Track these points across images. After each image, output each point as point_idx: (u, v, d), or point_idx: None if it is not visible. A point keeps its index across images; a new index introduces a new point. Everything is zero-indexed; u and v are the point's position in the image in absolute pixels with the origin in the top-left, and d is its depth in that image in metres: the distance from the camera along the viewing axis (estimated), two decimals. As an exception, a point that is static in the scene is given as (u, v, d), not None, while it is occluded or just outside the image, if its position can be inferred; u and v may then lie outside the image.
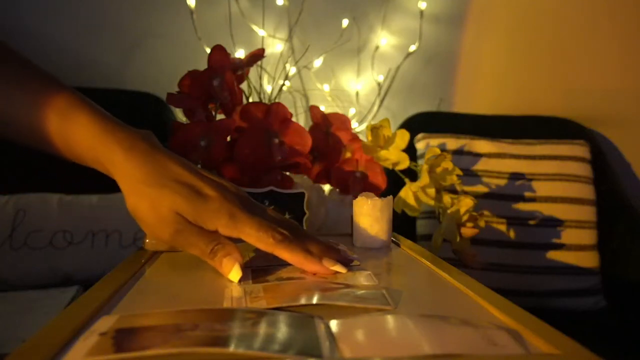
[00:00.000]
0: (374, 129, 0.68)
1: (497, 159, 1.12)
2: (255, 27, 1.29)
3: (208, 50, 0.79)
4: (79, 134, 0.41)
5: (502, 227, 1.06)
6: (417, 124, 1.24)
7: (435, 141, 1.14)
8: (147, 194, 0.39)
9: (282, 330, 0.27)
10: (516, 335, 0.28)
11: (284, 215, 0.58)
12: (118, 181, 0.41)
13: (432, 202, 0.66)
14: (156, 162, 0.40)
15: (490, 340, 0.27)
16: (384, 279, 0.40)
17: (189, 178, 0.40)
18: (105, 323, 0.28)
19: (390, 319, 0.29)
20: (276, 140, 0.66)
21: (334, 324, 0.28)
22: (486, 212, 1.06)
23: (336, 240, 0.57)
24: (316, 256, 0.39)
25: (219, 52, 0.66)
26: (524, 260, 1.05)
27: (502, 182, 1.10)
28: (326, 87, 1.34)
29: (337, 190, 0.72)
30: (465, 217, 0.66)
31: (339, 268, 0.39)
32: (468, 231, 0.66)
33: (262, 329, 0.27)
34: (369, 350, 0.25)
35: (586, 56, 1.37)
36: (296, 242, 0.39)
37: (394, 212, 0.56)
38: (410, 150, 0.96)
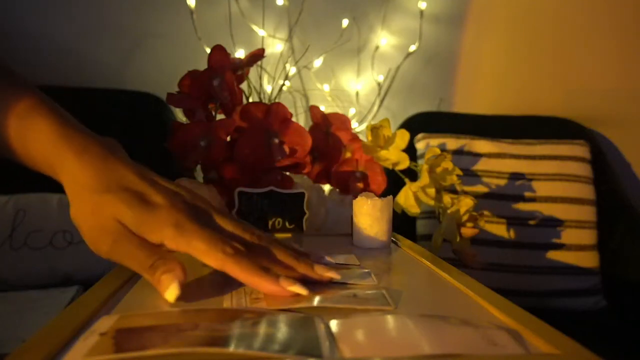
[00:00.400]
0: (374, 129, 0.68)
1: (497, 159, 1.12)
2: (255, 27, 1.29)
3: (208, 50, 0.79)
4: (36, 139, 0.38)
5: (502, 227, 1.06)
6: (417, 124, 1.24)
7: (435, 141, 1.14)
8: (89, 199, 0.35)
9: (282, 330, 0.27)
10: (516, 335, 0.28)
11: (283, 215, 0.58)
12: (64, 186, 0.38)
13: (432, 202, 0.66)
14: (106, 167, 0.37)
15: (490, 340, 0.27)
16: (384, 279, 0.40)
17: (138, 185, 0.36)
18: (105, 323, 0.28)
19: (390, 319, 0.29)
20: (276, 140, 0.66)
21: (334, 324, 0.28)
22: (486, 212, 1.06)
23: (336, 241, 0.57)
24: (273, 274, 0.34)
25: (219, 52, 0.66)
26: (524, 260, 1.05)
27: (502, 182, 1.10)
28: (326, 87, 1.34)
29: (337, 190, 0.72)
30: (465, 217, 0.66)
31: (297, 289, 0.34)
32: (468, 231, 0.66)
33: (262, 329, 0.27)
34: (369, 350, 0.25)
35: (586, 56, 1.37)
36: (250, 258, 0.35)
37: (394, 212, 0.56)
38: (410, 150, 0.96)
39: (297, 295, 0.34)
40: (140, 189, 0.36)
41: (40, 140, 0.38)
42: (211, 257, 0.34)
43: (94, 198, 0.35)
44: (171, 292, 0.33)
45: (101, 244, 0.35)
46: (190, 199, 0.38)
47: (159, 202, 0.36)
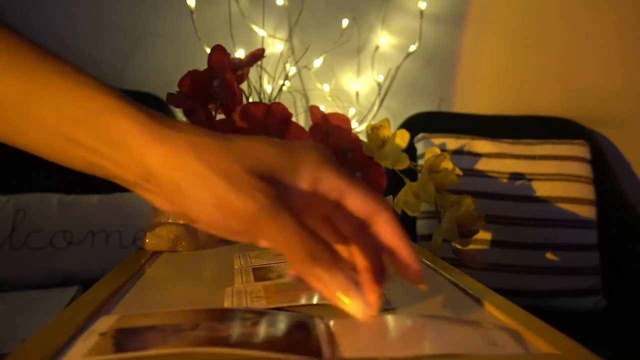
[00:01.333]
0: (374, 129, 0.68)
1: (497, 159, 1.12)
2: (255, 27, 1.29)
3: (208, 50, 0.79)
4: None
5: (502, 227, 1.06)
6: (417, 124, 1.24)
7: (435, 141, 1.14)
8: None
9: (282, 330, 0.27)
10: (516, 335, 0.28)
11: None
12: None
13: (432, 202, 0.66)
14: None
15: (490, 340, 0.27)
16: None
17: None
18: (105, 323, 0.28)
19: (390, 319, 0.29)
20: (276, 140, 0.66)
21: (334, 324, 0.28)
22: (486, 212, 1.06)
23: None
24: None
25: (219, 52, 0.66)
26: (524, 260, 1.05)
27: (502, 182, 1.10)
28: (326, 87, 1.34)
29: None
30: (465, 217, 0.66)
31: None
32: (468, 231, 0.66)
33: (262, 328, 0.27)
34: (369, 350, 0.25)
35: (586, 56, 1.37)
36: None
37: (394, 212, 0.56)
38: (410, 150, 0.96)
39: (298, 294, 0.34)
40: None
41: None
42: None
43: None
44: (357, 309, 0.27)
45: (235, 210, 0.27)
46: None
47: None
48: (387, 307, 0.32)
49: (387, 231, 0.29)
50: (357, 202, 0.29)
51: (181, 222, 0.53)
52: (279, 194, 0.27)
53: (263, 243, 0.29)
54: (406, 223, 1.08)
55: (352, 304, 0.27)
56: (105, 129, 0.27)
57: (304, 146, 0.29)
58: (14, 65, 0.29)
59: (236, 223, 0.27)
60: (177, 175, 0.27)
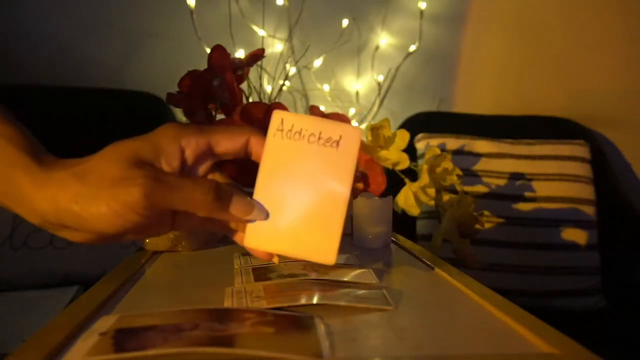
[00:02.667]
0: (374, 129, 0.68)
1: (497, 159, 1.12)
2: (255, 27, 1.29)
3: (208, 50, 0.79)
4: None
5: (502, 227, 1.06)
6: (417, 124, 1.24)
7: (435, 141, 1.14)
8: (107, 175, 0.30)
9: (282, 330, 0.27)
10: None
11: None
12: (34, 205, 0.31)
13: (432, 202, 0.66)
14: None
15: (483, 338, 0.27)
16: (384, 279, 0.40)
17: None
18: (105, 323, 0.28)
19: (389, 319, 0.29)
20: (276, 140, 0.66)
21: (334, 324, 0.28)
22: (486, 212, 1.06)
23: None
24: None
25: (219, 52, 0.66)
26: (524, 260, 1.05)
27: (502, 182, 1.10)
28: (326, 87, 1.34)
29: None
30: (465, 217, 0.66)
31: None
32: (468, 231, 0.66)
33: (262, 328, 0.27)
34: (368, 350, 0.25)
35: (586, 56, 1.37)
36: None
37: (394, 212, 0.56)
38: (410, 150, 0.95)
39: (298, 294, 0.34)
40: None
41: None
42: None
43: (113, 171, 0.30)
44: (256, 213, 0.32)
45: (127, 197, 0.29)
46: None
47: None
48: (387, 307, 0.32)
49: (259, 150, 0.34)
50: (226, 144, 0.33)
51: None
52: (156, 170, 0.31)
53: (178, 223, 0.33)
54: (406, 223, 1.09)
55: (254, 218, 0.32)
56: (10, 179, 0.31)
57: (159, 130, 0.33)
58: None
59: (139, 214, 0.30)
60: (71, 207, 0.30)
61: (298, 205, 0.32)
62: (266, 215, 0.32)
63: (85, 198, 0.30)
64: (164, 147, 0.32)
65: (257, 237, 0.33)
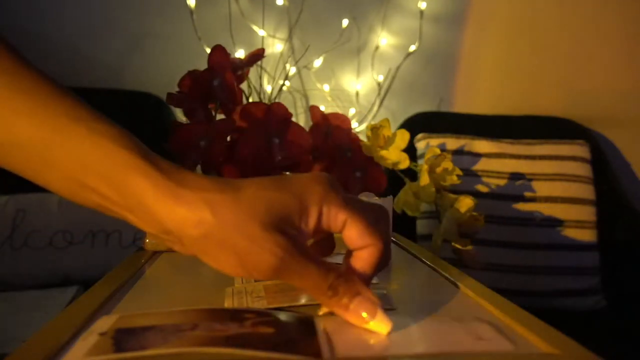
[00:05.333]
0: (374, 129, 0.68)
1: (497, 159, 1.12)
2: (255, 27, 1.29)
3: (208, 50, 0.79)
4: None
5: (502, 227, 1.06)
6: (417, 124, 1.24)
7: (435, 141, 1.14)
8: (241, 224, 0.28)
9: (282, 330, 0.27)
10: (499, 327, 0.28)
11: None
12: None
13: (432, 202, 0.66)
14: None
15: (476, 335, 0.27)
16: (384, 279, 0.40)
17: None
18: (105, 323, 0.28)
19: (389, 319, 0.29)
20: (276, 140, 0.66)
21: (331, 322, 0.28)
22: (486, 212, 1.06)
23: (336, 240, 0.57)
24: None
25: (219, 52, 0.66)
26: (524, 260, 1.05)
27: (502, 182, 1.10)
28: (326, 87, 1.34)
29: (337, 190, 0.72)
30: (465, 217, 0.66)
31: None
32: (468, 231, 0.66)
33: (262, 329, 0.27)
34: (365, 348, 0.25)
35: (586, 56, 1.37)
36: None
37: (394, 212, 0.56)
38: (410, 150, 0.95)
39: (298, 294, 0.34)
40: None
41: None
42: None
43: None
44: (384, 325, 0.28)
45: (261, 262, 0.28)
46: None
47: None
48: (387, 307, 0.32)
49: (365, 263, 0.30)
50: (354, 234, 0.30)
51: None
52: (294, 240, 0.29)
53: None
54: (406, 223, 1.09)
55: (377, 323, 0.28)
56: (123, 185, 0.28)
57: (307, 182, 0.30)
58: (31, 107, 0.29)
59: (260, 275, 0.29)
60: (195, 233, 0.28)
61: None
62: (389, 328, 0.28)
63: (214, 234, 0.28)
64: (308, 207, 0.29)
65: None
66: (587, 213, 1.09)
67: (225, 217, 0.28)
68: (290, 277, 0.29)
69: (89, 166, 0.29)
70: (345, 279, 0.29)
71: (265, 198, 0.29)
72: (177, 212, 0.28)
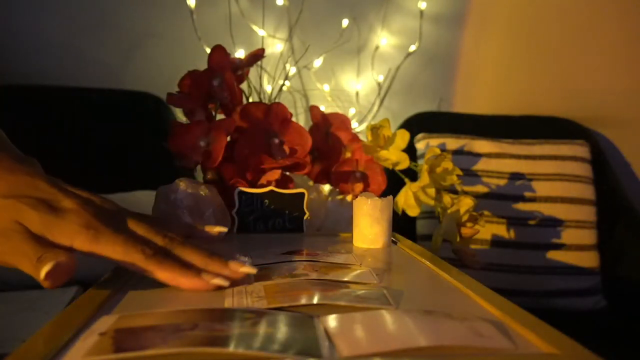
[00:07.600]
0: (374, 129, 0.68)
1: (497, 159, 1.12)
2: (255, 27, 1.29)
3: (208, 50, 0.79)
4: None
5: (502, 227, 1.06)
6: (417, 124, 1.24)
7: (435, 141, 1.14)
8: None
9: (282, 330, 0.27)
10: (501, 327, 0.28)
11: (283, 215, 0.58)
12: None
13: (432, 202, 0.66)
14: (14, 176, 0.36)
15: (477, 332, 0.27)
16: (384, 279, 0.40)
17: (46, 191, 0.36)
18: (105, 323, 0.28)
19: (385, 315, 0.29)
20: (276, 140, 0.66)
21: (330, 321, 0.28)
22: (486, 212, 1.06)
23: (336, 241, 0.57)
24: (194, 270, 0.36)
25: (219, 52, 0.66)
26: (524, 260, 1.05)
27: (502, 182, 1.10)
28: (326, 87, 1.34)
29: (337, 190, 0.72)
30: (465, 217, 0.66)
31: (219, 281, 0.35)
32: (468, 231, 0.66)
33: (262, 329, 0.27)
34: (365, 347, 0.25)
35: (586, 56, 1.37)
36: (170, 257, 0.36)
37: (394, 212, 0.56)
38: (410, 150, 0.96)
39: (298, 294, 0.34)
40: (49, 195, 0.36)
41: None
42: (129, 256, 0.35)
43: None
44: (45, 268, 0.32)
45: None
46: (100, 203, 0.38)
47: (68, 207, 0.35)
48: (387, 307, 0.32)
49: None
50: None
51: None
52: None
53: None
54: (406, 223, 1.09)
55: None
56: None
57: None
58: None
59: None
60: None
61: None
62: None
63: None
64: None
65: None
66: (587, 213, 1.09)
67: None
68: (10, 254, 0.33)
69: None
70: (55, 252, 0.34)
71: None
72: None
